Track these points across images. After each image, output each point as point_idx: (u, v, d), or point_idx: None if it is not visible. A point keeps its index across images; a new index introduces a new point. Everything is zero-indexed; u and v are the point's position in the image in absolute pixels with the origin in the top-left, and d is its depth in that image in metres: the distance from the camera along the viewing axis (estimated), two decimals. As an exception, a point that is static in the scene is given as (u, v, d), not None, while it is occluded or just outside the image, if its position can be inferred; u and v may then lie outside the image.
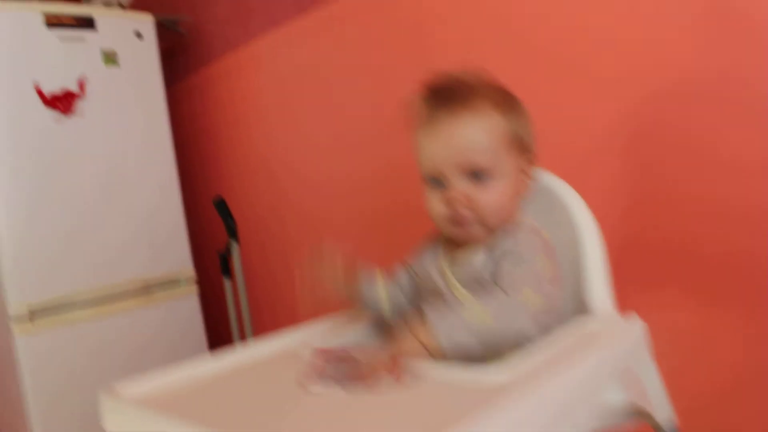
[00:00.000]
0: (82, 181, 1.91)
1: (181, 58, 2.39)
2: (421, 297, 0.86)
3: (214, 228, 2.03)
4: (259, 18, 2.03)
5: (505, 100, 0.78)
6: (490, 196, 0.76)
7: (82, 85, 1.91)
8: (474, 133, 0.74)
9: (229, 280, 1.78)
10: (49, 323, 1.80)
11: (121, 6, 2.13)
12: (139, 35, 2.06)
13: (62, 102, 1.88)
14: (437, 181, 0.77)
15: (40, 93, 1.83)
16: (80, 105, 1.91)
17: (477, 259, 0.78)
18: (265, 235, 2.16)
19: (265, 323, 2.10)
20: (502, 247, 0.76)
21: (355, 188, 1.81)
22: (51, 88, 1.85)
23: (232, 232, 1.75)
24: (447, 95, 0.77)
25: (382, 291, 0.89)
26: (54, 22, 1.87)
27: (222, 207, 1.78)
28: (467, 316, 0.69)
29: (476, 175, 0.75)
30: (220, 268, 1.78)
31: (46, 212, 1.83)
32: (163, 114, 2.11)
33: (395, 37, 1.60)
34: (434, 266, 0.83)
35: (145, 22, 2.09)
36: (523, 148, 0.79)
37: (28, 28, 1.83)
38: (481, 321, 0.68)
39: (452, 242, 0.82)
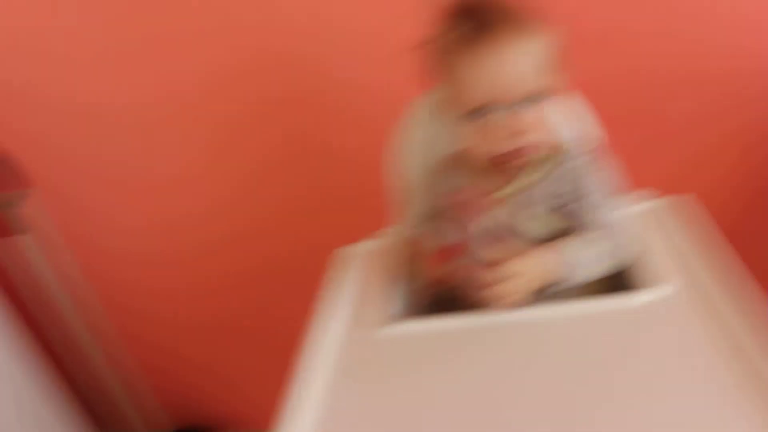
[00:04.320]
0: None
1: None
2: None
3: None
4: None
5: (537, 19, 0.79)
6: (544, 118, 0.77)
7: None
8: (529, 58, 0.75)
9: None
10: None
11: None
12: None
13: None
14: (481, 112, 0.76)
15: None
16: None
17: (535, 183, 0.80)
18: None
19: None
20: (564, 169, 0.79)
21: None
22: None
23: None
24: (489, 17, 0.75)
25: None
26: None
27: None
28: (594, 257, 0.74)
29: (529, 100, 0.75)
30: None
31: None
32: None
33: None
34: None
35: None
36: (556, 65, 0.80)
37: None
38: (603, 266, 0.75)
39: (491, 169, 0.82)
